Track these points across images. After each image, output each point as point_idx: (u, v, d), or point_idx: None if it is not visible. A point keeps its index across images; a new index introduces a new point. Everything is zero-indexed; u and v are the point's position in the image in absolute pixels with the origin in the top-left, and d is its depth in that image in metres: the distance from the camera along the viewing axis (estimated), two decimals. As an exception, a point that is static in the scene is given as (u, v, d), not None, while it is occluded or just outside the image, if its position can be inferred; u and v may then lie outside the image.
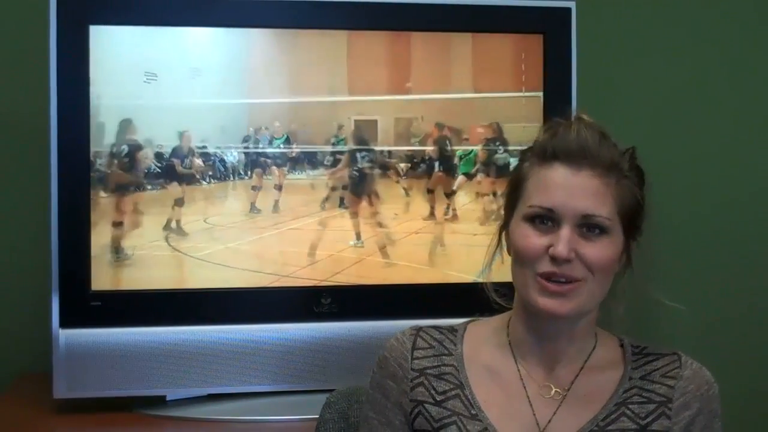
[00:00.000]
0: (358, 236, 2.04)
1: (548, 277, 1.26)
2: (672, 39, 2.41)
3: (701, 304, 2.40)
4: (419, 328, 1.39)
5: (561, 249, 1.24)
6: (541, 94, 2.05)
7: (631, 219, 1.30)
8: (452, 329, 1.40)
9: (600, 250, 1.26)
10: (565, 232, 1.25)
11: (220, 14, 1.95)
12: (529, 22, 2.05)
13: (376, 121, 2.05)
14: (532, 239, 1.27)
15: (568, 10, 2.04)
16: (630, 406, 1.28)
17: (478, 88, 2.07)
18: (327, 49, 2.01)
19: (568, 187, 1.26)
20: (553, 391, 1.31)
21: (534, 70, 2.05)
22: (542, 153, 1.30)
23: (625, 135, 2.35)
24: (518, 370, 1.33)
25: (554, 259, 1.25)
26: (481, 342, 1.37)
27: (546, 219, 1.27)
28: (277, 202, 2.01)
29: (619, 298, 1.33)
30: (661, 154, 2.40)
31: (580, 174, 1.27)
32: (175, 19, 1.94)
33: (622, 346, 1.36)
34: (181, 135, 1.96)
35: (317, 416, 1.51)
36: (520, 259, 1.29)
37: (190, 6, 1.95)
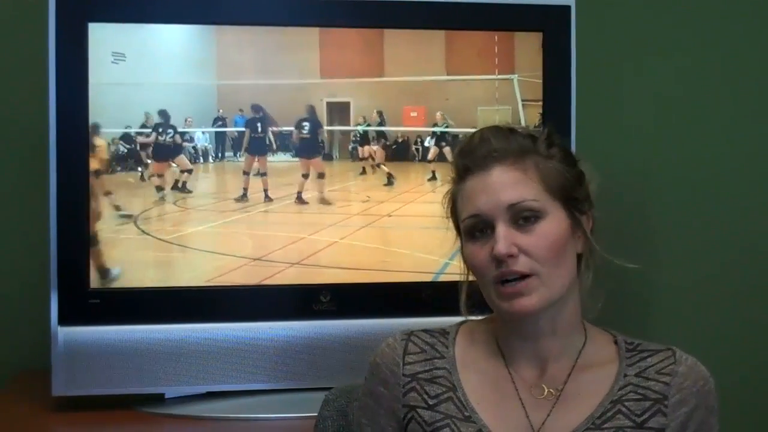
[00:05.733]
0: None
1: (502, 279, 1.26)
2: (672, 37, 2.40)
3: (700, 302, 2.41)
4: (410, 332, 1.39)
5: (499, 247, 1.25)
6: (515, 76, 2.06)
7: (568, 195, 1.30)
8: (443, 332, 1.39)
9: (539, 238, 1.26)
10: (500, 230, 1.26)
11: (219, 12, 1.95)
12: (528, 19, 2.05)
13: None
14: (478, 252, 1.28)
15: (567, 7, 2.04)
16: (626, 404, 1.27)
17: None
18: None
19: (484, 188, 1.28)
20: (546, 392, 1.30)
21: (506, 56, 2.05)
22: (458, 173, 1.33)
23: (625, 133, 2.39)
24: (509, 373, 1.33)
25: (498, 261, 1.25)
26: (473, 344, 1.37)
27: (482, 228, 1.28)
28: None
29: (583, 270, 1.32)
30: (660, 152, 2.42)
31: (491, 173, 1.29)
32: (175, 16, 1.94)
33: (615, 342, 1.35)
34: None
35: (316, 414, 1.52)
36: (476, 275, 1.31)
37: (190, 5, 1.94)
